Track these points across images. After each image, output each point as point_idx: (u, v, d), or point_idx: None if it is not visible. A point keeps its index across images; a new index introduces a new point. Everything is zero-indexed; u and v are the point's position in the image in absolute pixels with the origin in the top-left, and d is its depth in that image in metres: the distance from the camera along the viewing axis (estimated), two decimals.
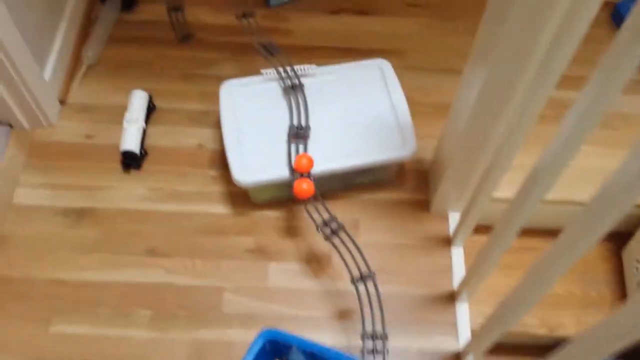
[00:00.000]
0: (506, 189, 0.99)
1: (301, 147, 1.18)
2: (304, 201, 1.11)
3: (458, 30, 1.54)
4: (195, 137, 1.34)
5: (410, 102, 1.33)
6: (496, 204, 1.07)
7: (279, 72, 1.26)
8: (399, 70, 1.44)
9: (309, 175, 1.12)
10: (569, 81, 0.86)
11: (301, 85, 1.25)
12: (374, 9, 1.57)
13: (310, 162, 1.13)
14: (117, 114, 1.34)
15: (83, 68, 1.40)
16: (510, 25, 0.80)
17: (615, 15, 1.57)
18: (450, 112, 1.13)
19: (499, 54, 0.85)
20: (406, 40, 1.53)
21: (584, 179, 1.02)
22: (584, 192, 1.19)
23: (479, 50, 0.96)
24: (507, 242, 0.89)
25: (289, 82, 1.25)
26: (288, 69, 1.26)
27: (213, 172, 1.30)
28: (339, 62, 1.45)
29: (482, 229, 1.14)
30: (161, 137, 1.34)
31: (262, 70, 1.26)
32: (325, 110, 1.23)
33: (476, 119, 0.99)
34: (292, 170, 1.14)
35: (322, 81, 1.27)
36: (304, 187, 1.10)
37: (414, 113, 1.28)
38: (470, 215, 1.12)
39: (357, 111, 1.23)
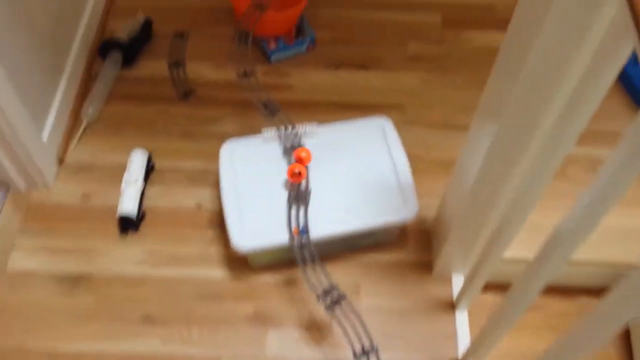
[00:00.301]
0: (516, 247, 0.95)
1: (302, 210, 1.16)
2: (303, 266, 1.08)
3: (457, 83, 1.54)
4: (195, 197, 1.33)
5: (412, 158, 1.32)
6: (505, 262, 1.04)
7: (279, 132, 1.25)
8: (400, 126, 1.43)
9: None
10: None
11: (302, 146, 1.23)
12: (373, 63, 1.57)
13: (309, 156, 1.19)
14: (116, 173, 1.33)
15: (82, 126, 1.39)
16: (524, 82, 0.77)
17: (621, 74, 1.57)
18: (455, 170, 1.11)
19: (510, 110, 0.82)
20: (406, 94, 1.52)
21: (608, 239, 0.99)
22: (608, 251, 1.13)
23: (487, 106, 0.92)
24: (526, 305, 0.85)
25: (289, 143, 1.24)
26: (289, 128, 1.25)
27: (211, 233, 1.28)
28: (339, 118, 1.44)
29: (487, 286, 1.10)
30: (160, 197, 1.32)
31: (263, 130, 1.25)
32: (326, 171, 1.21)
33: (484, 179, 0.96)
34: (292, 235, 1.12)
35: (322, 140, 1.25)
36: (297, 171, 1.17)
37: (415, 170, 1.26)
38: (477, 278, 1.08)
39: (358, 171, 1.21)
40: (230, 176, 1.20)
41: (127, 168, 1.29)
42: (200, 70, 1.52)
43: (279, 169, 1.21)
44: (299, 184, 1.17)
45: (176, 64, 1.51)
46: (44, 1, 1.29)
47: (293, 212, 1.15)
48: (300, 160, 1.20)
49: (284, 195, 1.18)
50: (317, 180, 1.20)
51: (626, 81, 1.47)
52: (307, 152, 1.21)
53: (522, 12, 0.82)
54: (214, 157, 1.28)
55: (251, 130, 1.43)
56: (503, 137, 0.86)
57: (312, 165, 1.21)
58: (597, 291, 1.06)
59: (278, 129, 1.24)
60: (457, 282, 1.24)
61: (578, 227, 0.67)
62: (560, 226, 0.71)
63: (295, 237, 1.12)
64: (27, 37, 1.24)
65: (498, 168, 0.92)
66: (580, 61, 0.70)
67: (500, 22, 1.69)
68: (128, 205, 1.24)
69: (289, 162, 1.21)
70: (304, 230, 1.13)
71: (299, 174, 1.18)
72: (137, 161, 1.29)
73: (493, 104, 0.88)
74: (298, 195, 1.17)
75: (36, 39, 1.28)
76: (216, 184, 1.34)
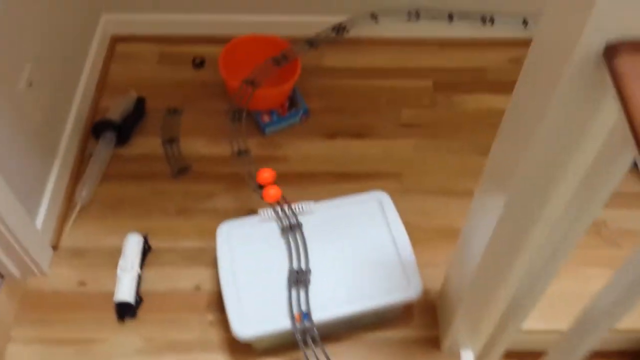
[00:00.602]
0: (532, 318, 0.91)
1: (302, 292, 1.13)
2: (307, 350, 1.05)
3: (453, 149, 1.54)
4: (192, 278, 1.30)
5: (411, 227, 1.31)
6: (521, 333, 1.00)
7: (276, 212, 1.23)
8: (398, 194, 1.42)
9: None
10: None
11: (299, 225, 1.22)
12: (368, 132, 1.57)
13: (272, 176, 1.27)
14: (111, 256, 1.31)
15: (76, 209, 1.38)
16: (534, 149, 0.71)
17: None
18: (459, 243, 1.08)
19: (520, 180, 0.76)
20: (402, 162, 1.52)
21: None
22: None
23: (493, 175, 0.87)
24: None
25: (287, 222, 1.22)
26: (285, 207, 1.24)
27: (211, 317, 1.25)
28: (336, 189, 1.43)
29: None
30: (157, 281, 1.29)
31: (260, 210, 1.24)
32: (325, 251, 1.19)
33: (492, 252, 0.91)
34: (294, 319, 1.10)
35: (320, 218, 1.24)
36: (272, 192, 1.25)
37: (415, 239, 1.24)
38: (491, 355, 1.05)
39: (358, 250, 1.19)
40: (227, 259, 1.18)
41: (122, 253, 1.27)
42: (194, 146, 1.52)
43: (277, 250, 1.19)
44: (299, 269, 1.15)
45: (170, 140, 1.50)
46: (36, 95, 1.29)
47: (293, 294, 1.13)
48: (265, 181, 1.27)
49: (283, 276, 1.16)
50: (317, 260, 1.17)
51: None
52: (270, 171, 1.28)
53: (526, 86, 0.79)
54: (211, 234, 1.26)
55: (248, 204, 1.41)
56: (513, 208, 0.81)
57: (310, 242, 1.20)
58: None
59: (274, 209, 1.23)
60: (467, 357, 1.20)
61: (621, 300, 0.64)
62: (600, 300, 0.68)
63: (298, 322, 1.09)
64: (18, 130, 1.24)
65: (508, 241, 0.87)
66: (596, 134, 0.68)
67: (492, 85, 1.72)
68: (124, 292, 1.21)
69: (287, 242, 1.19)
70: (306, 315, 1.10)
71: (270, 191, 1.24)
72: (132, 246, 1.27)
73: (499, 173, 0.84)
74: (298, 276, 1.14)
75: (27, 130, 1.27)
76: (214, 263, 1.31)
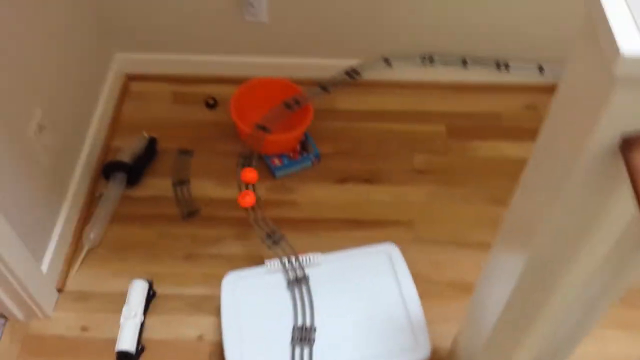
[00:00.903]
0: None
1: (306, 351, 1.10)
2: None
3: (467, 197, 1.51)
4: (196, 327, 1.28)
5: (422, 280, 1.28)
6: None
7: (283, 264, 1.21)
8: (409, 244, 1.40)
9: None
10: None
11: (306, 278, 1.19)
12: (380, 177, 1.55)
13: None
14: (116, 301, 1.29)
15: (83, 252, 1.37)
16: (564, 203, 0.65)
17: None
18: (473, 300, 1.03)
19: (545, 237, 0.71)
20: (414, 209, 1.49)
21: None
22: None
23: (513, 230, 0.82)
24: None
25: (293, 274, 1.20)
26: (292, 259, 1.22)
27: None
28: (345, 236, 1.41)
29: None
30: (160, 328, 1.27)
31: (266, 261, 1.22)
32: (331, 307, 1.16)
33: (510, 315, 0.85)
34: None
35: (328, 271, 1.21)
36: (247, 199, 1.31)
37: (426, 293, 1.21)
38: None
39: (365, 307, 1.16)
40: (231, 312, 1.16)
41: (126, 300, 1.25)
42: (204, 188, 1.51)
43: (283, 304, 1.17)
44: (304, 326, 1.12)
45: (180, 182, 1.50)
46: (46, 140, 1.29)
47: (297, 352, 1.10)
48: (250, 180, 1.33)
49: (288, 332, 1.13)
50: (322, 316, 1.15)
51: None
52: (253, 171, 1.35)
53: (538, 169, 0.76)
54: (217, 281, 1.24)
55: (256, 250, 1.39)
56: (536, 267, 0.76)
57: (317, 297, 1.17)
58: None
59: (281, 260, 1.21)
60: None
61: None
62: None
63: None
64: (26, 176, 1.23)
65: (529, 303, 0.81)
66: (615, 219, 0.65)
67: (507, 131, 1.69)
68: (126, 341, 1.19)
69: (293, 297, 1.17)
70: None
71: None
72: (136, 294, 1.26)
73: (521, 229, 0.79)
74: (302, 334, 1.11)
75: (35, 175, 1.27)
76: (219, 312, 1.29)
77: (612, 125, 0.56)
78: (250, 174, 1.35)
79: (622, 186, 0.61)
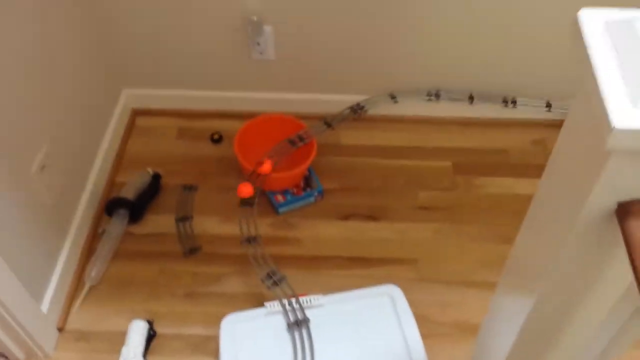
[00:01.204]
0: None
1: None
2: None
3: (472, 235, 1.49)
4: None
5: (426, 320, 1.25)
6: None
7: (283, 305, 1.19)
8: (413, 283, 1.38)
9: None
10: None
11: (306, 320, 1.17)
12: (384, 214, 1.53)
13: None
14: (117, 341, 1.28)
15: (85, 289, 1.36)
16: (564, 257, 0.63)
17: None
18: (478, 342, 1.00)
19: (547, 286, 0.68)
20: (418, 247, 1.47)
21: None
22: None
23: (516, 273, 0.80)
24: None
25: (293, 317, 1.18)
26: (293, 300, 1.20)
27: None
28: (348, 275, 1.39)
29: None
30: None
31: (266, 304, 1.20)
32: (332, 351, 1.14)
33: (516, 358, 0.82)
34: None
35: (328, 313, 1.19)
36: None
37: (430, 334, 1.18)
38: None
39: (367, 351, 1.14)
40: (230, 355, 1.14)
41: (125, 341, 1.24)
42: (207, 225, 1.50)
43: (282, 348, 1.14)
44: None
45: (183, 218, 1.49)
46: (48, 178, 1.29)
47: None
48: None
49: None
50: None
51: None
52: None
53: (535, 227, 0.75)
54: (218, 320, 1.22)
55: (256, 289, 1.37)
56: (539, 315, 0.72)
57: (317, 341, 1.15)
58: None
59: (281, 302, 1.19)
60: None
61: None
62: None
63: None
64: (26, 216, 1.23)
65: (534, 349, 0.78)
66: (615, 279, 0.63)
67: (514, 168, 1.67)
68: None
69: (293, 340, 1.15)
70: None
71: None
72: (135, 334, 1.24)
73: (522, 275, 0.77)
74: None
75: (37, 214, 1.27)
76: (218, 354, 1.28)
77: (607, 193, 0.54)
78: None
79: (619, 250, 0.59)
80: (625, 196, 0.56)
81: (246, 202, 1.38)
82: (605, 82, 0.52)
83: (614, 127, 0.48)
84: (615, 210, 0.57)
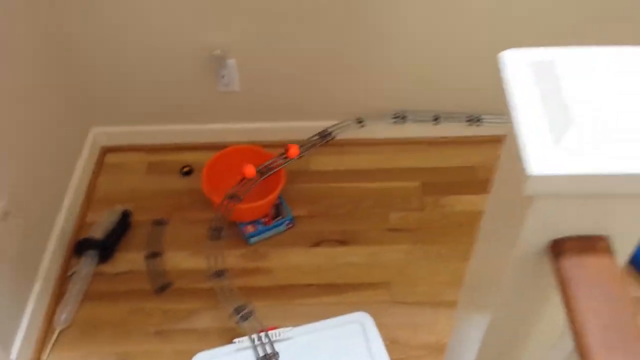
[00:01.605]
0: None
1: None
2: None
3: (442, 255, 1.49)
4: None
5: (398, 344, 1.25)
6: None
7: (252, 340, 1.19)
8: (385, 307, 1.38)
9: None
10: None
11: (276, 355, 1.17)
12: (355, 238, 1.53)
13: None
14: None
15: (55, 334, 1.35)
16: (516, 259, 0.62)
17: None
18: None
19: (501, 304, 0.69)
20: (390, 270, 1.47)
21: None
22: None
23: (472, 291, 0.82)
24: None
25: (263, 351, 1.17)
26: (262, 335, 1.19)
27: None
28: (319, 303, 1.40)
29: None
30: None
31: (235, 340, 1.19)
32: None
33: None
34: None
35: (299, 345, 1.18)
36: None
37: (404, 358, 1.18)
38: None
39: None
40: None
41: None
42: (177, 260, 1.50)
43: None
44: None
45: (153, 255, 1.49)
46: (12, 226, 1.27)
47: None
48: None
49: None
50: None
51: None
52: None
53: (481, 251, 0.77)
54: (189, 357, 1.21)
55: (227, 323, 1.36)
56: (498, 331, 0.73)
57: None
58: None
59: (250, 337, 1.19)
60: None
61: None
62: None
63: None
64: None
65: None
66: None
67: (482, 184, 1.68)
68: None
69: None
70: None
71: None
72: None
73: (480, 289, 0.79)
74: None
75: (2, 262, 1.25)
76: None
77: (537, 232, 0.56)
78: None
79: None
80: (557, 234, 0.57)
81: (215, 235, 1.37)
82: (524, 126, 0.53)
83: (530, 175, 0.49)
84: (548, 247, 0.58)
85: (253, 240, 1.52)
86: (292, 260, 1.49)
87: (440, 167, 1.68)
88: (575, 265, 0.55)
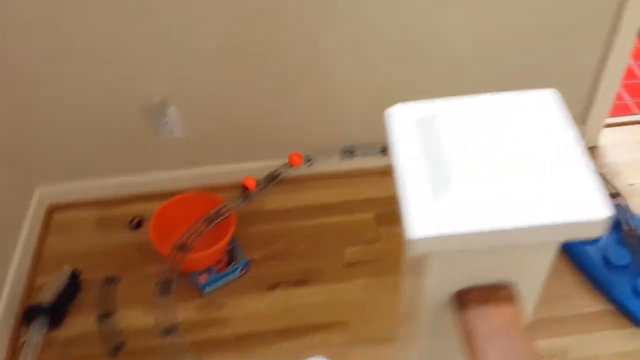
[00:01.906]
0: None
1: None
2: None
3: (399, 286, 1.48)
4: None
5: None
6: None
7: None
8: (345, 347, 1.35)
9: None
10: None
11: None
12: (312, 277, 1.51)
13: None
14: None
15: None
16: (423, 321, 0.63)
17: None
18: None
19: (422, 345, 0.70)
20: (349, 307, 1.45)
21: None
22: None
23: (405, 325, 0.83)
24: None
25: None
26: None
27: None
28: (279, 349, 1.37)
29: None
30: None
31: None
32: None
33: None
34: None
35: None
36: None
37: None
38: None
39: None
40: None
41: None
42: (130, 318, 1.45)
43: None
44: None
45: (105, 315, 1.45)
46: None
47: None
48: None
49: None
50: None
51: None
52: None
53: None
54: None
55: None
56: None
57: None
58: None
59: None
60: None
61: None
62: None
63: None
64: None
65: None
66: None
67: None
68: None
69: None
70: None
71: None
72: None
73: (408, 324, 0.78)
74: None
75: None
76: None
77: (438, 285, 0.55)
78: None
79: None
80: (461, 285, 0.56)
81: (164, 288, 1.34)
82: (407, 187, 0.52)
83: (410, 239, 0.49)
84: (454, 298, 0.57)
85: (207, 289, 1.48)
86: (249, 307, 1.46)
87: (393, 196, 1.67)
88: (479, 317, 0.54)
